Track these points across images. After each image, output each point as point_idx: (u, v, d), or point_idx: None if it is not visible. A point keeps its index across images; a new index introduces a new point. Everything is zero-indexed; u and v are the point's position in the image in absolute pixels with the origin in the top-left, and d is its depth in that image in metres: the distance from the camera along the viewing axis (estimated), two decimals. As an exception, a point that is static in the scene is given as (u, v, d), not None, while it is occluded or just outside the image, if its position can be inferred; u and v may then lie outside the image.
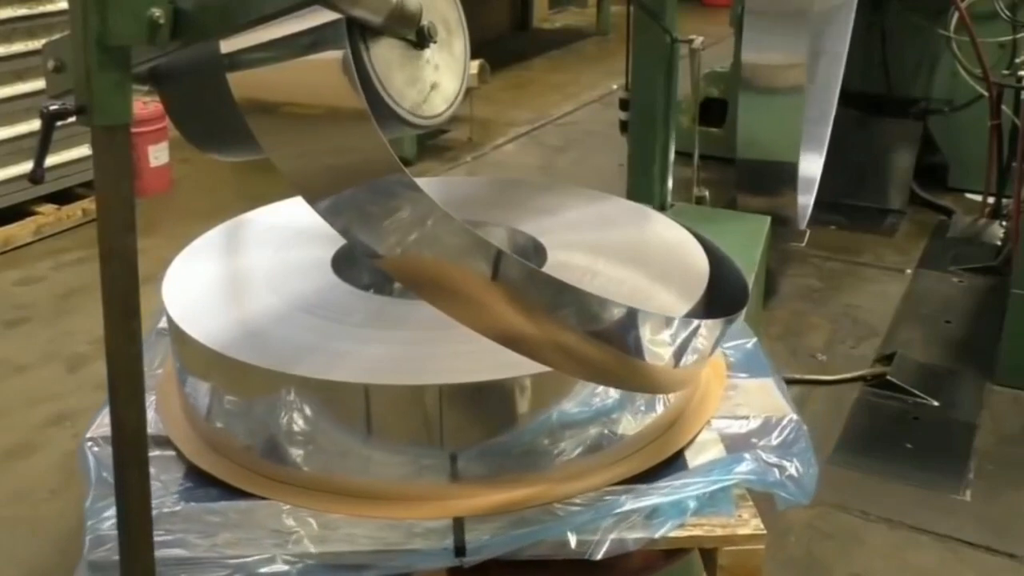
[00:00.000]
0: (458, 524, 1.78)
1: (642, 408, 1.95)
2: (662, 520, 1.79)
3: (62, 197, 5.01)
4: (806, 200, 4.48)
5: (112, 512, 1.79)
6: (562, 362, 1.60)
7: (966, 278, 4.47)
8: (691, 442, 2.01)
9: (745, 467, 1.87)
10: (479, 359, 1.76)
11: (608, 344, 1.58)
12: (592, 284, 2.02)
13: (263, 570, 1.70)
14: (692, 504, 1.81)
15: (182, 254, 2.30)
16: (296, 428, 1.85)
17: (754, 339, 2.37)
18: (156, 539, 1.69)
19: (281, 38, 1.51)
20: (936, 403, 3.52)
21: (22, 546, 2.89)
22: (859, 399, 3.57)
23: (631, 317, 1.57)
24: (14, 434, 3.42)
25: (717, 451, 1.98)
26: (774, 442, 2.00)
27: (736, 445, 1.99)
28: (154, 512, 1.55)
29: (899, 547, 2.84)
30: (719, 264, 2.19)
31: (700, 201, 4.28)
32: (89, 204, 4.93)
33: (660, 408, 1.99)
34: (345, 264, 2.23)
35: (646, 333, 1.60)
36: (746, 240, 3.81)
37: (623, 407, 1.91)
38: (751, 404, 2.13)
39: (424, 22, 1.59)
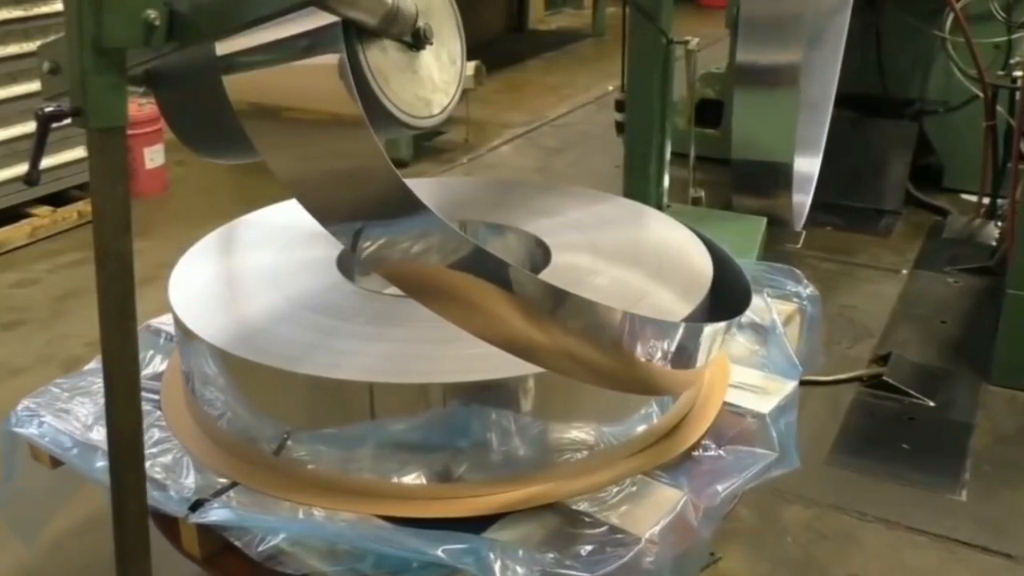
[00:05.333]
0: (221, 490, 1.83)
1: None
2: (363, 565, 1.66)
3: (57, 199, 4.99)
4: (804, 200, 4.49)
5: (59, 393, 2.28)
6: (566, 366, 1.60)
7: (962, 278, 4.47)
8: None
9: (466, 559, 1.64)
10: (483, 359, 1.75)
11: (611, 348, 1.57)
12: (596, 285, 2.02)
13: (74, 450, 2.01)
14: (412, 566, 1.65)
15: (185, 255, 2.29)
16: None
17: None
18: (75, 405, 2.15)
19: (277, 40, 1.51)
20: (932, 403, 3.51)
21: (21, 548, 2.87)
22: (855, 400, 3.56)
23: (634, 321, 1.57)
24: (10, 437, 3.40)
25: (529, 532, 1.76)
26: (582, 552, 1.70)
27: (549, 538, 1.75)
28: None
29: (896, 547, 2.84)
30: (722, 265, 2.19)
31: (696, 202, 4.29)
32: (85, 206, 4.92)
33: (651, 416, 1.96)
34: (350, 263, 2.23)
35: (648, 336, 1.60)
36: (742, 241, 3.80)
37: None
38: (619, 512, 1.81)
39: (420, 24, 1.59)
